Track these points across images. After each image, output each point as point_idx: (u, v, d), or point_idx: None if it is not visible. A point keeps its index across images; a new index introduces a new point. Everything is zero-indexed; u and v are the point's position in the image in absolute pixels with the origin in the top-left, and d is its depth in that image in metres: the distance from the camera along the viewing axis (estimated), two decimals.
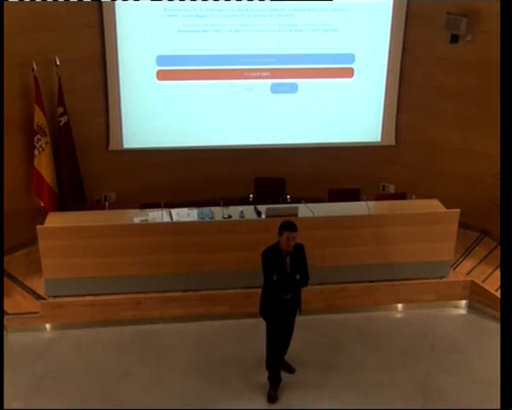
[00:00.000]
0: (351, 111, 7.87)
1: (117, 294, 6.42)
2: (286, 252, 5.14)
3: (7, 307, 6.35)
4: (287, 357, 5.72)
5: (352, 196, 7.22)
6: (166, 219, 6.45)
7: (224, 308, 6.51)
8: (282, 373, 5.65)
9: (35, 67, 6.55)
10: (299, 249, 5.25)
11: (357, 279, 6.71)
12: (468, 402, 5.51)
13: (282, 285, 5.18)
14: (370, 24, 7.47)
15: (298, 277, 5.20)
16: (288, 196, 7.53)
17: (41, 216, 6.51)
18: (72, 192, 7.10)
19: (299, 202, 6.63)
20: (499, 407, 4.38)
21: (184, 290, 6.53)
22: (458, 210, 6.60)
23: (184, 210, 6.59)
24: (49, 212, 6.66)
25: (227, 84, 7.58)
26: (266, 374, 5.58)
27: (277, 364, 5.55)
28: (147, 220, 6.40)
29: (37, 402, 5.45)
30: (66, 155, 6.98)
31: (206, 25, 7.22)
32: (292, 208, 6.46)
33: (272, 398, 5.55)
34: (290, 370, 5.81)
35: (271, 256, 5.16)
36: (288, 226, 5.06)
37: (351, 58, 7.63)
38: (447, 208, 6.76)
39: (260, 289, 5.39)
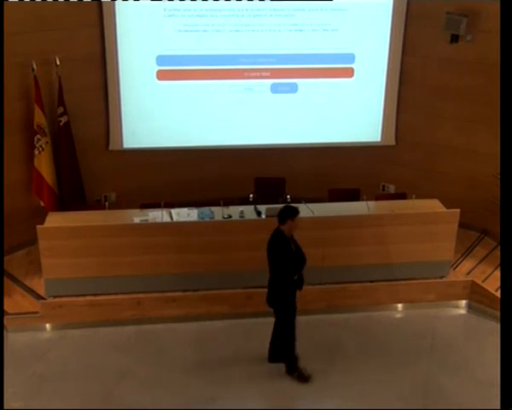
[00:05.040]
0: (351, 111, 7.87)
1: (117, 294, 6.42)
2: (289, 237, 5.31)
3: (7, 307, 6.35)
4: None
5: (352, 196, 7.23)
6: (166, 219, 6.45)
7: (224, 308, 6.50)
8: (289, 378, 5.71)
9: (35, 67, 6.54)
10: None
11: (357, 279, 6.71)
12: (468, 402, 5.51)
13: (296, 266, 5.34)
14: (370, 24, 7.48)
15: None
16: (288, 196, 7.53)
17: (41, 216, 6.51)
18: (72, 192, 7.09)
19: (299, 202, 6.62)
20: (499, 407, 4.38)
21: (184, 290, 6.53)
22: (458, 210, 6.60)
23: (184, 210, 6.59)
24: (49, 212, 6.66)
25: (227, 84, 7.58)
26: (275, 368, 5.64)
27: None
28: (147, 220, 6.40)
29: (37, 402, 5.44)
30: (66, 155, 6.98)
31: (206, 25, 7.22)
32: None
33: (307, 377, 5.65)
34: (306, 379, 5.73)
35: (283, 243, 5.27)
36: (298, 212, 5.29)
37: (351, 58, 7.63)
38: (447, 208, 6.77)
39: (266, 287, 5.40)
